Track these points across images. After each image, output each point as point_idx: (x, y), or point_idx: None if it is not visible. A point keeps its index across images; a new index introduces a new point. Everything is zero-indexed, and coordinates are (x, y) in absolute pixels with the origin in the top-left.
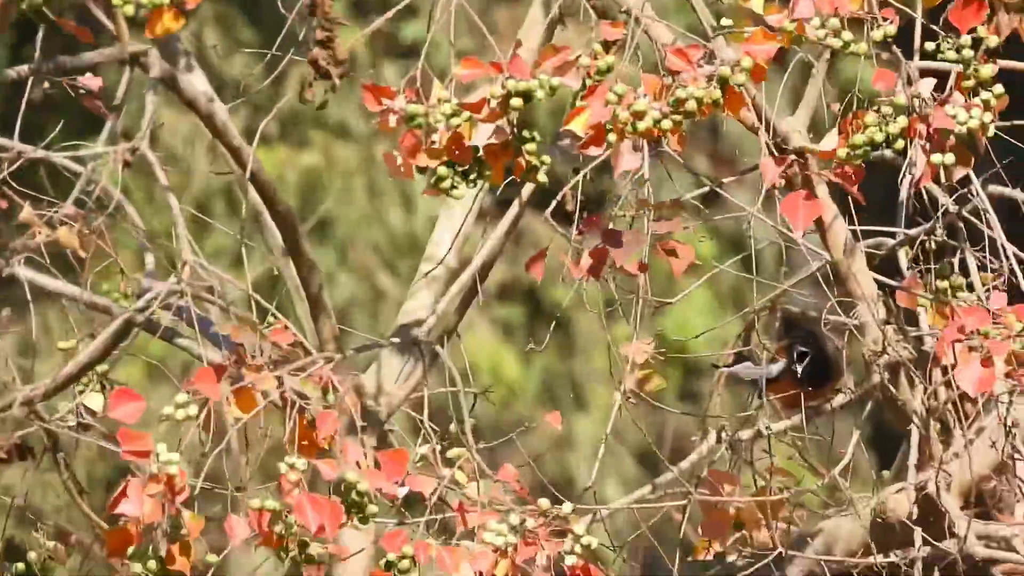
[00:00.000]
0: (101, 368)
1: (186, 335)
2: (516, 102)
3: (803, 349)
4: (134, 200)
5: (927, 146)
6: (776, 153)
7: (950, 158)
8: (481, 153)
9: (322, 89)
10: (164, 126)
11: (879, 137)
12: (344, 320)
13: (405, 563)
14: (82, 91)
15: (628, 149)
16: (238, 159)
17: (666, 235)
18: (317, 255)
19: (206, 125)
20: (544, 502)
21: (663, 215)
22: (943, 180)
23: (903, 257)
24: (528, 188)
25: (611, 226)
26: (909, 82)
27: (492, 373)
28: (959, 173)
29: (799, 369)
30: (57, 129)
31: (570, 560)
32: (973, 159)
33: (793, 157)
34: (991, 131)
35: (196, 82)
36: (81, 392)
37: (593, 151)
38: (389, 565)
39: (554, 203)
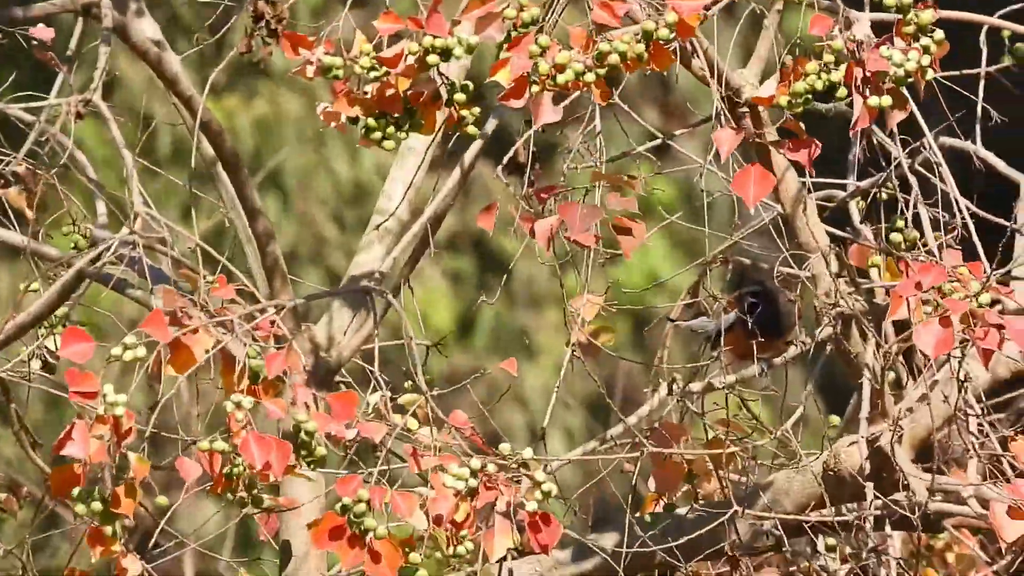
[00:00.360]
0: (62, 311)
1: (137, 285)
2: (433, 59)
3: (753, 300)
4: (94, 155)
5: (864, 90)
6: (728, 105)
7: (887, 100)
8: (411, 104)
9: (264, 40)
10: (119, 75)
11: (819, 85)
12: (293, 271)
13: (360, 507)
14: (34, 42)
15: (549, 101)
16: (189, 109)
17: (620, 212)
18: (267, 206)
19: (157, 75)
20: (506, 447)
21: (616, 187)
22: (887, 127)
23: (855, 210)
24: (480, 140)
25: (562, 180)
26: (848, 26)
27: (442, 324)
28: (898, 117)
29: (749, 320)
30: (9, 81)
31: (531, 506)
32: (909, 103)
33: (745, 110)
34: (929, 74)
35: (147, 31)
36: (45, 336)
37: (514, 103)
38: (344, 509)
39: (506, 157)
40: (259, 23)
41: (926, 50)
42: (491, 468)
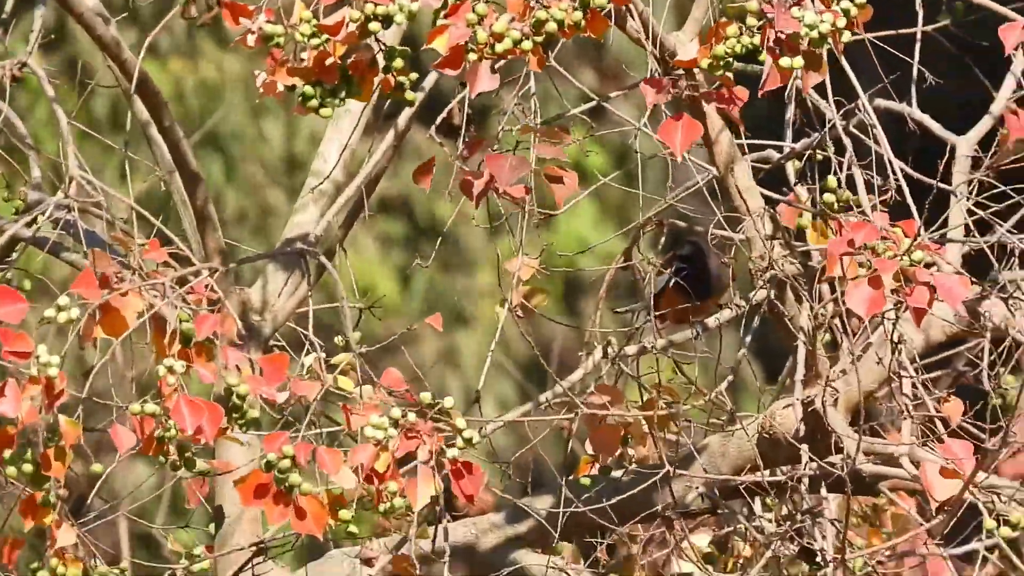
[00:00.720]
0: None
1: (72, 248)
2: (375, 26)
3: (684, 261)
4: (35, 117)
5: (776, 51)
6: (663, 68)
7: (799, 61)
8: (348, 72)
9: (208, 5)
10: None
11: (739, 48)
12: (230, 234)
13: (285, 463)
14: None
15: (486, 70)
16: (125, 73)
17: (551, 160)
18: (209, 169)
19: (93, 38)
20: (426, 395)
21: (548, 138)
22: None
23: (791, 171)
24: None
25: (496, 147)
26: None
27: (376, 289)
28: (813, 80)
29: (681, 281)
30: None
31: (452, 453)
32: (824, 65)
33: (680, 72)
34: (847, 36)
35: None
36: None
37: (450, 72)
38: (269, 465)
39: (440, 118)
40: None
41: (846, 13)
42: (412, 417)
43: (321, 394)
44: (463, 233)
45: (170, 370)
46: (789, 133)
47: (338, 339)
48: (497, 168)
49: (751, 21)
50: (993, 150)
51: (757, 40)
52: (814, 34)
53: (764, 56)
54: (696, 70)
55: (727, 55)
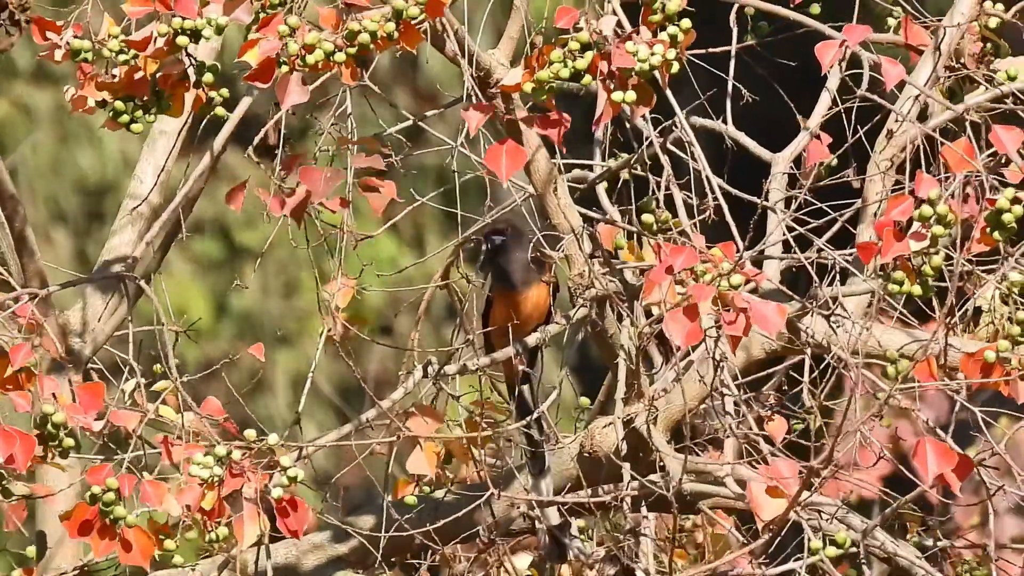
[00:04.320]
0: None
1: None
2: (183, 40)
3: (498, 238)
4: None
5: (609, 84)
6: (478, 86)
7: (631, 96)
8: (158, 87)
9: (7, 31)
10: None
11: (564, 73)
12: (46, 256)
13: (110, 495)
14: None
15: (296, 82)
16: None
17: (367, 171)
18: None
19: None
20: (251, 433)
21: (363, 150)
22: (633, 118)
23: (601, 192)
24: (231, 123)
25: (314, 161)
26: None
27: (189, 311)
28: (642, 111)
29: (492, 251)
30: None
31: (276, 492)
32: (654, 97)
33: (495, 91)
34: (675, 67)
35: None
36: None
37: (260, 84)
38: (94, 498)
39: (257, 139)
40: (2, 13)
41: (673, 40)
42: (236, 455)
43: (143, 425)
44: (280, 255)
45: None
46: (598, 152)
47: (157, 367)
48: (312, 181)
49: (574, 45)
50: (805, 170)
51: (580, 64)
52: (645, 67)
53: (587, 79)
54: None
55: (551, 79)
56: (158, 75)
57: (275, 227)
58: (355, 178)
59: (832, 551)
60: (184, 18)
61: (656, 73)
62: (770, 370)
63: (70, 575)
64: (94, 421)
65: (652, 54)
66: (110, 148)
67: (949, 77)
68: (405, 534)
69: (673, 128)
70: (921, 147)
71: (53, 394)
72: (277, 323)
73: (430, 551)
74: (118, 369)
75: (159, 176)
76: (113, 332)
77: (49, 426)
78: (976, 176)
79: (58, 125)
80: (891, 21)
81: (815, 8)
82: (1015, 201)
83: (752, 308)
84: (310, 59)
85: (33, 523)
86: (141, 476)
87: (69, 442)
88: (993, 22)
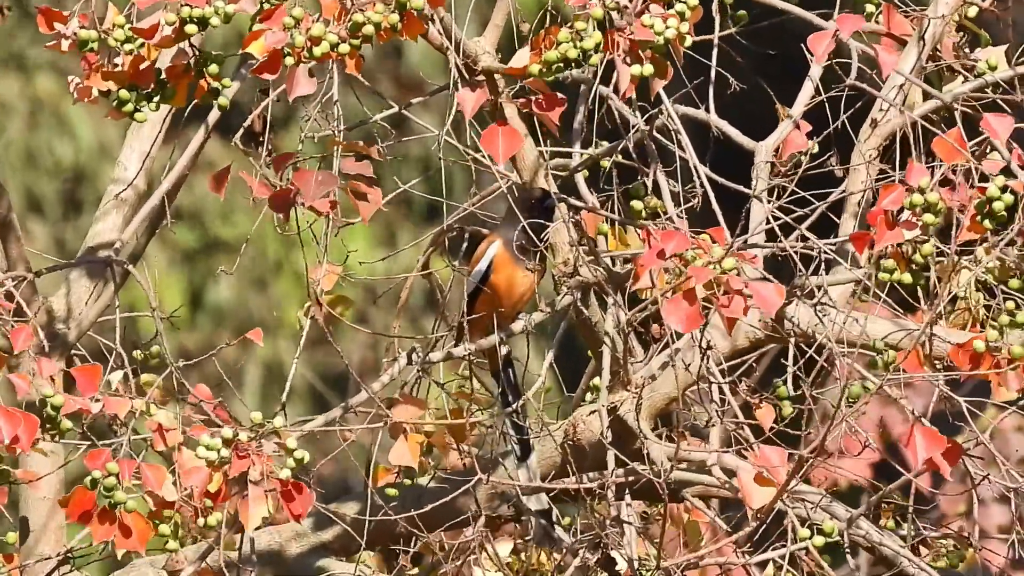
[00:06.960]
0: None
1: None
2: (191, 29)
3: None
4: None
5: (627, 59)
6: (466, 74)
7: (649, 69)
8: (164, 76)
9: None
10: None
11: (573, 53)
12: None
13: (110, 480)
14: None
15: (304, 74)
16: None
17: (356, 176)
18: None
19: None
20: (257, 415)
21: (352, 151)
22: (651, 94)
23: (580, 180)
24: (216, 111)
25: (299, 153)
26: None
27: (165, 299)
28: (658, 85)
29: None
30: None
31: (283, 473)
32: (671, 70)
33: (482, 78)
34: (688, 41)
35: None
36: None
37: (267, 76)
38: (94, 483)
39: (244, 126)
40: None
41: (682, 16)
42: (243, 437)
43: (135, 412)
44: (256, 244)
45: None
46: (578, 144)
47: (137, 352)
48: (304, 183)
49: (581, 25)
50: (783, 159)
51: (588, 44)
52: (660, 40)
53: (595, 59)
54: (497, 76)
55: (559, 60)
56: (166, 65)
57: (255, 219)
58: (344, 182)
59: (820, 540)
60: (192, 7)
61: (669, 47)
62: (753, 355)
63: (53, 560)
64: (92, 404)
65: (667, 27)
66: (86, 137)
67: (931, 67)
68: (390, 518)
69: (659, 114)
70: (909, 136)
71: (51, 377)
72: (252, 315)
73: (414, 538)
74: (101, 355)
75: (144, 162)
76: (97, 318)
77: (48, 408)
78: (964, 165)
79: (30, 115)
80: (870, 8)
81: None
82: (1004, 189)
83: (752, 289)
84: (316, 51)
85: (16, 510)
86: (138, 460)
87: (67, 424)
88: (972, 11)
